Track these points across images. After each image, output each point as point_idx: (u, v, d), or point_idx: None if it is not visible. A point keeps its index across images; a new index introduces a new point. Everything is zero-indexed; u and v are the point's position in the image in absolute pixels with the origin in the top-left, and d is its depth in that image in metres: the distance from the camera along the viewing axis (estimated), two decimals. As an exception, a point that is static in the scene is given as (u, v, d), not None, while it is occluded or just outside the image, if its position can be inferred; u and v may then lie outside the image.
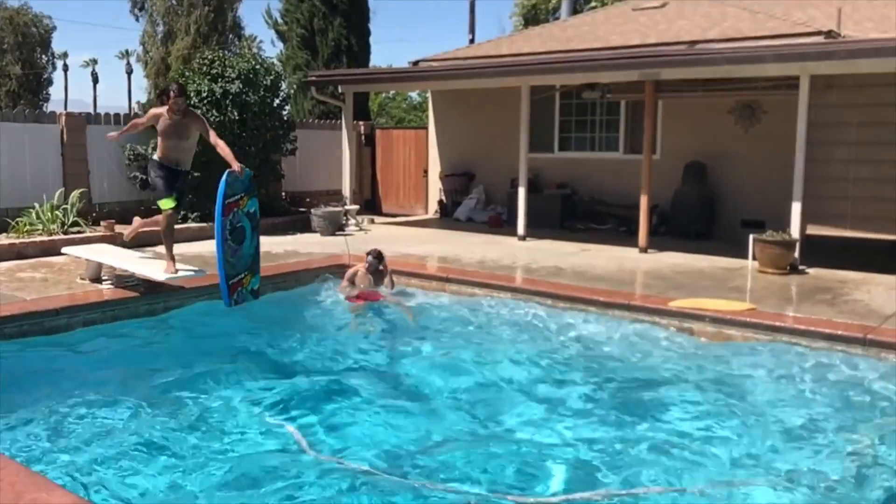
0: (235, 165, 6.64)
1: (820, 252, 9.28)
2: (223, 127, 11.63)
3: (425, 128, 15.65)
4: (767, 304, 7.17)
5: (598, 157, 13.10)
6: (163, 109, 6.90)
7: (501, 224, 13.01)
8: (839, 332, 6.26)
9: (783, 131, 9.75)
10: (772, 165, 10.54)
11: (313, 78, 14.06)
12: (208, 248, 10.24)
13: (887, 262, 9.08)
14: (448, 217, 14.41)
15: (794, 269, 8.88)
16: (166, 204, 7.09)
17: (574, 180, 13.25)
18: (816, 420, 5.01)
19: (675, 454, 4.45)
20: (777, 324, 6.52)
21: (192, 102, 11.61)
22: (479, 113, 14.11)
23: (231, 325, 6.97)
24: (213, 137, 6.92)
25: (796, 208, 9.18)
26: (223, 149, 6.83)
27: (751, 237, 8.94)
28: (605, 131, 13.08)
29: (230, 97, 11.72)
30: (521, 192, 11.63)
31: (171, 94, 6.76)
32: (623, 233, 11.82)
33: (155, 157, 7.26)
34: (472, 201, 14.16)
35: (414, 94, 30.44)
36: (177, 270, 7.17)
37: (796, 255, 8.98)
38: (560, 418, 5.05)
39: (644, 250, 10.33)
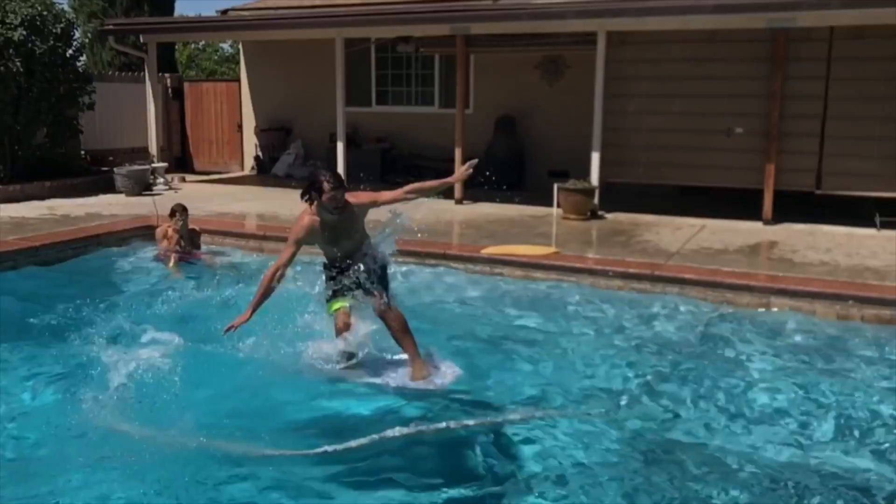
0: (462, 170, 5.09)
1: (618, 198, 10.02)
2: (6, 79, 10.59)
3: (238, 80, 15.07)
4: (570, 248, 7.69)
5: (415, 112, 13.25)
6: (312, 217, 4.69)
7: (321, 179, 12.85)
8: (631, 271, 6.86)
9: (584, 85, 10.33)
10: (575, 118, 11.13)
11: (110, 27, 13.05)
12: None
13: (675, 206, 9.99)
14: (266, 173, 14.05)
15: (594, 215, 9.55)
16: (332, 307, 4.92)
17: (393, 134, 13.35)
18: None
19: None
20: (577, 265, 7.04)
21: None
22: (295, 65, 13.77)
23: (34, 293, 6.46)
24: (395, 194, 4.98)
25: (595, 158, 9.83)
26: (421, 187, 5.12)
27: (555, 186, 9.49)
28: (421, 86, 13.24)
29: (13, 46, 10.64)
30: (340, 147, 11.58)
31: (326, 185, 4.53)
32: (440, 185, 12.11)
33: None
34: (291, 157, 13.89)
35: (226, 46, 29.10)
36: (426, 376, 4.89)
37: (596, 201, 9.65)
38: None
39: (460, 202, 10.67)
